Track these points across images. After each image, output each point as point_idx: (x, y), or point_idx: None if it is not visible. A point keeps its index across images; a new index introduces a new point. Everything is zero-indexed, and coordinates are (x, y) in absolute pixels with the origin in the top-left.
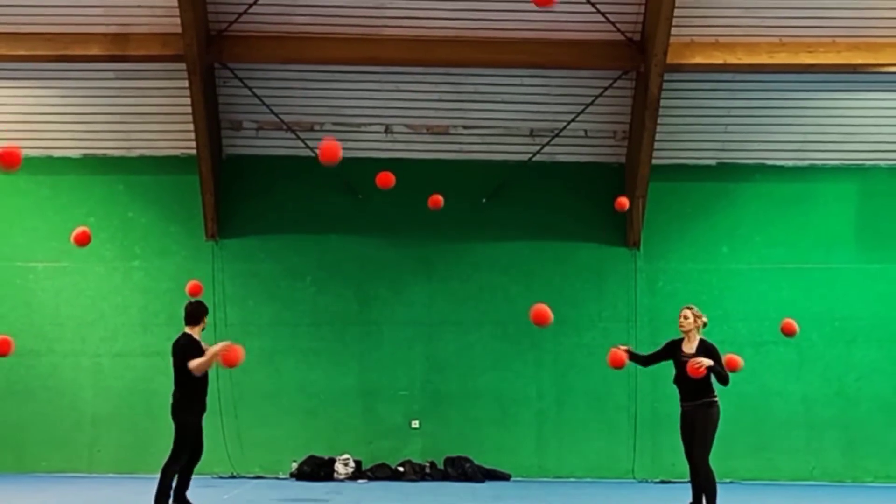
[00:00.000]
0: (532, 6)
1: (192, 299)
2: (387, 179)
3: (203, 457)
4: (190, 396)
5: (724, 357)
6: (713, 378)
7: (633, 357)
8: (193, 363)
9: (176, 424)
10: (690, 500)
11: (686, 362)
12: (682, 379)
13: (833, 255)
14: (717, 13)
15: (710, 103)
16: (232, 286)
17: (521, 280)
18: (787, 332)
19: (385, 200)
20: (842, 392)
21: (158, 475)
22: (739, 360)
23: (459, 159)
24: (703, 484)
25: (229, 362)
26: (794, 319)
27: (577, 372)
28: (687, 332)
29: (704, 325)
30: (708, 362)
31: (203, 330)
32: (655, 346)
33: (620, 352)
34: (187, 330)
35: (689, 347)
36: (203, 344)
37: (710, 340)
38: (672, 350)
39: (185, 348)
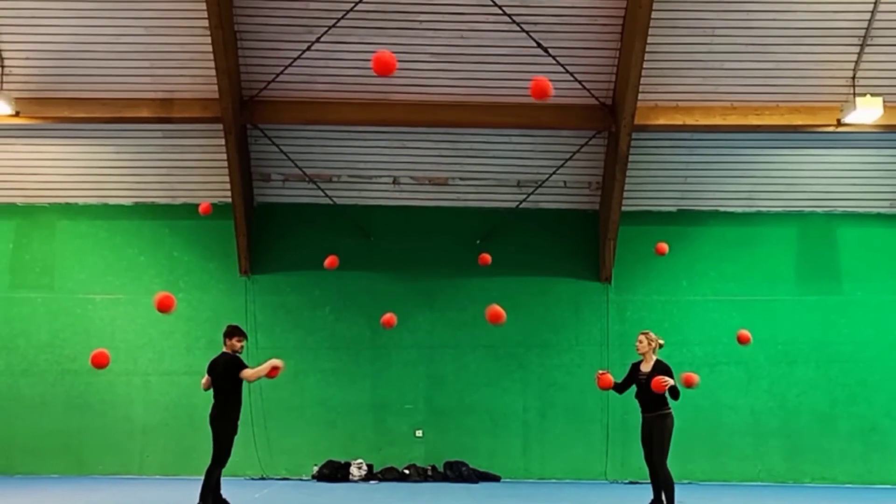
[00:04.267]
0: (519, 75)
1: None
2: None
3: (237, 461)
4: (227, 407)
5: (682, 376)
6: (667, 393)
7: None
8: (249, 373)
9: (215, 432)
10: (652, 498)
11: (644, 380)
12: (641, 394)
13: (776, 288)
14: (677, 81)
15: (671, 158)
16: (262, 315)
17: (509, 310)
18: (743, 341)
19: (393, 242)
20: (784, 405)
21: (203, 477)
22: (695, 378)
23: (457, 206)
24: (662, 484)
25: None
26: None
27: (558, 388)
28: (643, 354)
29: (660, 346)
30: (671, 382)
31: (239, 352)
32: (625, 366)
33: (606, 377)
34: (225, 349)
35: (647, 367)
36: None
37: (665, 361)
38: (633, 371)
39: (230, 364)
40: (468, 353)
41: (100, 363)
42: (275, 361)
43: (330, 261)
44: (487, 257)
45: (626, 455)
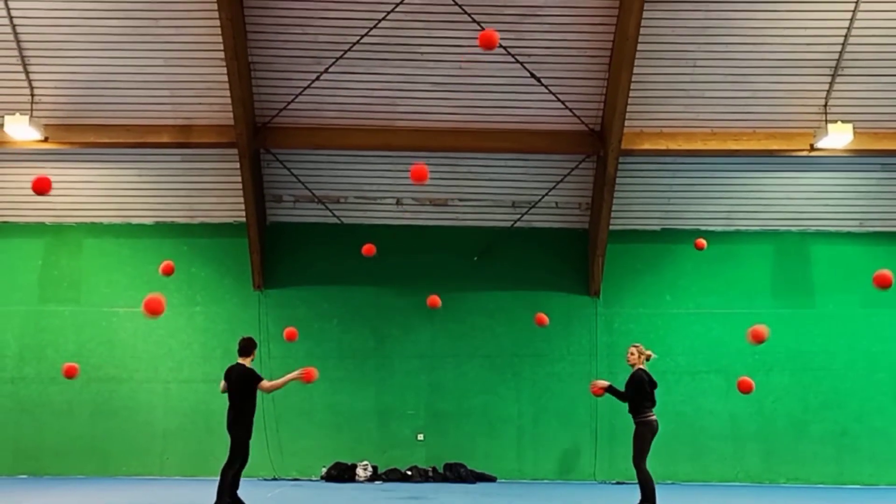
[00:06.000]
0: (514, 103)
1: (245, 336)
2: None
3: (250, 462)
4: (240, 415)
5: (738, 380)
6: (642, 400)
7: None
8: (266, 384)
9: (232, 437)
10: (640, 499)
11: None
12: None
13: (754, 302)
14: (661, 109)
15: (655, 181)
16: (274, 327)
17: (504, 322)
18: (744, 389)
19: (396, 259)
20: (761, 411)
21: (218, 478)
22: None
23: (456, 226)
24: (640, 484)
25: (308, 380)
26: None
27: (550, 395)
28: (633, 365)
29: (648, 358)
30: (604, 384)
31: (252, 360)
32: (612, 375)
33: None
34: (240, 360)
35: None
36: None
37: (640, 372)
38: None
39: (249, 375)
40: (466, 362)
41: (70, 374)
42: (299, 373)
43: (367, 248)
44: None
45: (613, 457)
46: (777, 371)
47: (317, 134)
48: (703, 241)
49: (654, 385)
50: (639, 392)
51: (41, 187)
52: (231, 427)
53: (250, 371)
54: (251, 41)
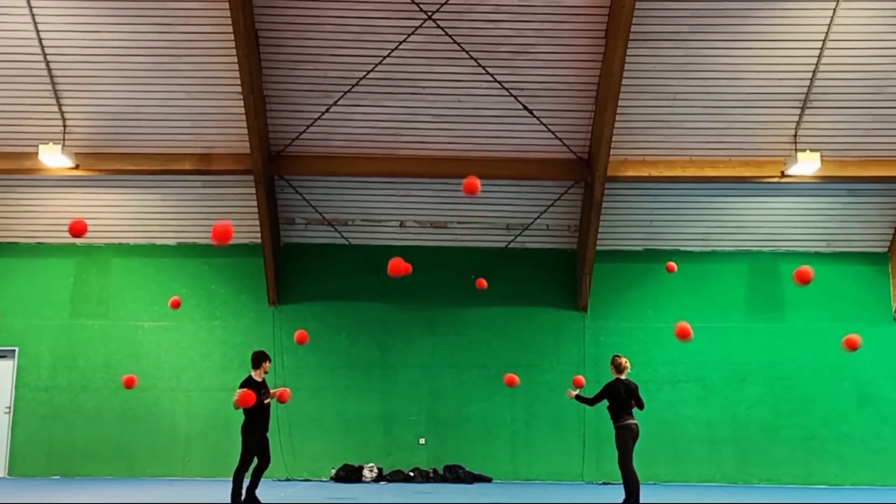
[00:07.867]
0: (508, 133)
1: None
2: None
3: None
4: (251, 420)
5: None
6: (618, 407)
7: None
8: (234, 398)
9: (241, 440)
10: (624, 498)
11: None
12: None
13: (729, 317)
14: (644, 139)
15: (638, 205)
16: (288, 340)
17: (500, 335)
18: (850, 347)
19: (400, 277)
20: (736, 417)
21: (231, 479)
22: (689, 330)
23: (455, 246)
24: (625, 484)
25: (281, 400)
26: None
27: (541, 402)
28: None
29: (618, 368)
30: (573, 393)
31: (266, 373)
32: (599, 384)
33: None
34: (252, 372)
35: None
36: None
37: (616, 383)
38: None
39: (241, 385)
40: (464, 372)
41: (129, 385)
42: (281, 390)
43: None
44: (483, 282)
45: (599, 460)
46: (750, 381)
47: (327, 162)
48: (673, 265)
49: (630, 392)
50: (614, 400)
51: None
52: (242, 433)
53: (245, 381)
54: (266, 76)
